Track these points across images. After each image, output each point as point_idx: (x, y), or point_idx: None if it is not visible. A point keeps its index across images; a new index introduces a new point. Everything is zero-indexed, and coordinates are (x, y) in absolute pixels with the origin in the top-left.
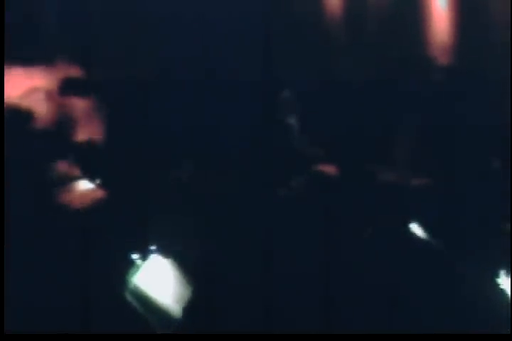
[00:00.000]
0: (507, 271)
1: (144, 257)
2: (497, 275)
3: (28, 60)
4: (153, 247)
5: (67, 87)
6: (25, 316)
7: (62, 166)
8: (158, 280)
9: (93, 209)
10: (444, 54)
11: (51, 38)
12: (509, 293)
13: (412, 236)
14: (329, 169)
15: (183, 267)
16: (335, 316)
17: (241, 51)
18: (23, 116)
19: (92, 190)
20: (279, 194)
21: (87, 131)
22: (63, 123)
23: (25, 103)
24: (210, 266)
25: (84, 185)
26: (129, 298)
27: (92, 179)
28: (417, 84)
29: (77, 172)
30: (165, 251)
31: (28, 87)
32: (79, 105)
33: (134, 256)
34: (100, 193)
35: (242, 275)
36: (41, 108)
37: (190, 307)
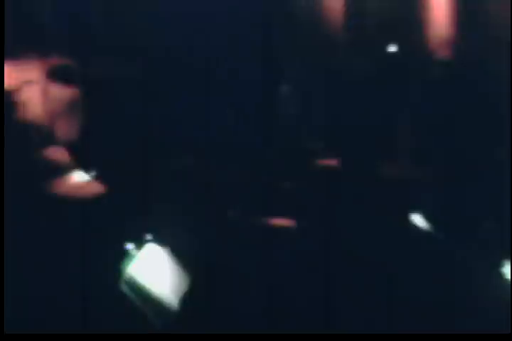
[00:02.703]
0: (509, 262)
1: (140, 247)
2: (500, 267)
3: (20, 54)
4: (149, 237)
5: (57, 75)
6: (24, 312)
7: (57, 158)
8: (154, 270)
9: (88, 200)
10: (445, 46)
11: (46, 32)
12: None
13: (414, 228)
14: (330, 162)
15: (181, 257)
16: (335, 311)
17: (240, 45)
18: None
19: (88, 182)
20: (279, 187)
21: (81, 123)
22: (56, 115)
23: (18, 95)
24: (209, 257)
25: (79, 177)
26: (124, 288)
27: (87, 170)
28: (417, 76)
29: (71, 163)
30: (162, 240)
31: (19, 79)
32: (71, 96)
33: (130, 246)
34: (96, 185)
35: (241, 265)
36: (34, 99)
37: (188, 298)
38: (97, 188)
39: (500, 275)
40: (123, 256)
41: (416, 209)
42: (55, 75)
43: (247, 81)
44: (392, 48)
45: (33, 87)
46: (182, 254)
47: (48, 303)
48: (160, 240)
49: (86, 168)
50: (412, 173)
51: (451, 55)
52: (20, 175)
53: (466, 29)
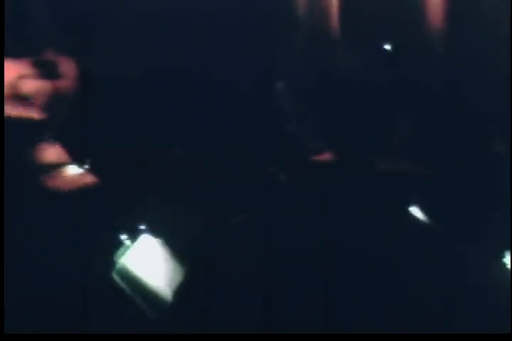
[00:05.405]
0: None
1: (134, 237)
2: (499, 260)
3: (16, 52)
4: (143, 227)
5: (40, 70)
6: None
7: (50, 151)
8: (148, 261)
9: (83, 192)
10: (442, 41)
11: (41, 31)
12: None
13: (413, 222)
14: (327, 158)
15: (175, 248)
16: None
17: (239, 42)
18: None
19: (82, 174)
20: (276, 182)
21: (73, 116)
22: (51, 108)
23: (14, 90)
24: (204, 248)
25: (73, 169)
26: (117, 279)
27: (80, 163)
28: (415, 72)
29: (65, 157)
30: (156, 231)
31: (15, 74)
32: (57, 90)
33: (123, 237)
34: (90, 176)
35: (237, 257)
36: (30, 93)
37: (182, 290)
38: (92, 180)
39: (501, 269)
40: (117, 246)
41: (415, 202)
42: (39, 70)
43: (244, 78)
44: (388, 46)
45: (26, 82)
46: (177, 245)
47: (42, 295)
48: (154, 231)
49: (80, 161)
50: (410, 167)
51: (449, 50)
52: (14, 168)
53: (462, 25)
